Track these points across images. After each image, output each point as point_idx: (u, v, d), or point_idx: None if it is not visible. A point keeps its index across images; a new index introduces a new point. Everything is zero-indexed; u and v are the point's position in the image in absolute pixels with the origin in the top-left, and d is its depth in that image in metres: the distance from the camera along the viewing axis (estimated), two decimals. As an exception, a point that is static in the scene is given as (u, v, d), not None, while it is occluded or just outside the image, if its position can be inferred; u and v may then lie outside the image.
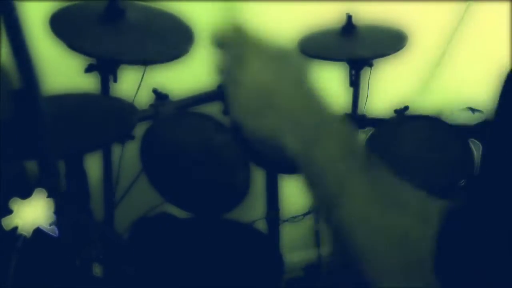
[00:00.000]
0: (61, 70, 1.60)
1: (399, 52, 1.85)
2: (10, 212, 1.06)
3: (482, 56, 2.17)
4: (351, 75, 1.94)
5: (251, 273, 1.36)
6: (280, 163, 1.69)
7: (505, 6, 2.07)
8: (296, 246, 2.26)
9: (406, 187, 0.63)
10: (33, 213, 1.05)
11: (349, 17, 1.91)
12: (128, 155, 1.62)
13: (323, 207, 0.66)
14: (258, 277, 1.38)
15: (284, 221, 2.03)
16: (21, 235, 1.08)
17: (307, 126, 0.67)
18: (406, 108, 1.85)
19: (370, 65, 1.93)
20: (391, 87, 2.16)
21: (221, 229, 1.51)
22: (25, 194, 1.06)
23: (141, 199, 1.64)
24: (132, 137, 1.41)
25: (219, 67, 0.74)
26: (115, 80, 1.54)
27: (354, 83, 1.94)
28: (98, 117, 1.24)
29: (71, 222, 0.98)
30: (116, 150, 1.64)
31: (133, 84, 1.66)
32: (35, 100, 0.69)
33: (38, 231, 1.05)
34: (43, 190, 0.84)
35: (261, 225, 1.91)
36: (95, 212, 1.34)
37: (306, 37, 1.95)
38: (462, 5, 2.24)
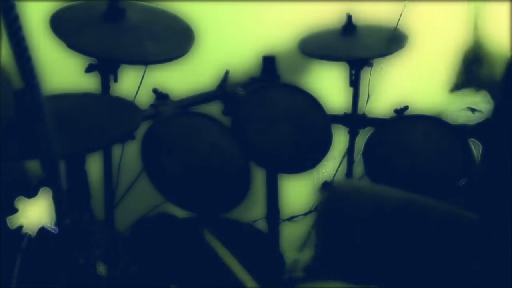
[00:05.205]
0: (61, 70, 1.60)
1: (399, 52, 1.85)
2: (15, 211, 1.06)
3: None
4: (351, 75, 1.94)
5: (251, 273, 1.36)
6: (280, 163, 1.69)
7: (505, 6, 2.07)
8: (296, 246, 2.26)
9: None
10: (37, 212, 1.06)
11: (349, 17, 1.91)
12: (128, 155, 1.62)
13: None
14: (258, 276, 1.38)
15: (284, 221, 2.03)
16: (25, 234, 1.09)
17: None
18: (406, 108, 1.85)
19: (370, 65, 1.93)
20: (391, 87, 2.17)
21: (221, 228, 1.51)
22: (30, 193, 1.06)
23: (141, 199, 1.64)
24: (132, 137, 1.41)
25: None
26: (115, 80, 1.54)
27: (354, 83, 1.94)
28: (101, 117, 1.24)
29: (74, 222, 0.98)
30: (116, 150, 1.64)
31: (133, 84, 1.66)
32: (36, 100, 0.69)
33: (42, 230, 1.05)
34: (48, 189, 0.84)
35: (261, 225, 1.92)
36: (95, 212, 1.34)
37: (306, 37, 1.96)
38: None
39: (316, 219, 1.36)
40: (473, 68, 1.16)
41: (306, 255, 2.14)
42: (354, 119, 1.97)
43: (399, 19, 1.70)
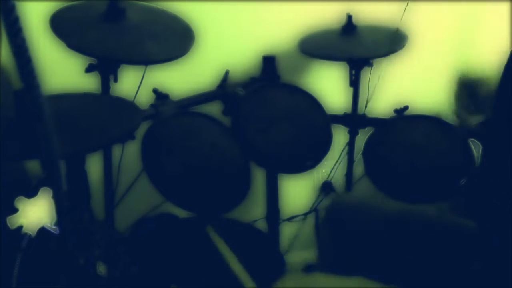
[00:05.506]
0: (61, 70, 1.61)
1: (399, 52, 1.85)
2: (15, 211, 1.06)
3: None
4: (351, 75, 1.94)
5: (251, 273, 1.36)
6: (280, 163, 1.69)
7: (505, 6, 2.07)
8: (296, 246, 2.27)
9: None
10: (37, 212, 1.06)
11: (349, 17, 1.91)
12: (128, 155, 1.62)
13: None
14: (258, 276, 1.38)
15: (284, 221, 2.03)
16: (25, 234, 1.09)
17: None
18: (406, 108, 1.85)
19: (370, 65, 1.93)
20: (391, 87, 2.17)
21: (221, 228, 1.51)
22: (30, 193, 1.06)
23: (141, 199, 1.64)
24: (132, 137, 1.41)
25: None
26: (115, 80, 1.54)
27: (354, 83, 1.94)
28: (101, 117, 1.24)
29: (74, 222, 0.98)
30: (116, 150, 1.64)
31: (133, 84, 1.66)
32: (36, 101, 0.69)
33: (42, 230, 1.05)
34: (48, 189, 0.84)
35: (261, 225, 1.92)
36: (95, 212, 1.34)
37: (306, 37, 1.96)
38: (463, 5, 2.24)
39: (318, 230, 1.37)
40: (475, 92, 1.18)
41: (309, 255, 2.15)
42: (354, 119, 1.97)
43: (401, 17, 1.70)
